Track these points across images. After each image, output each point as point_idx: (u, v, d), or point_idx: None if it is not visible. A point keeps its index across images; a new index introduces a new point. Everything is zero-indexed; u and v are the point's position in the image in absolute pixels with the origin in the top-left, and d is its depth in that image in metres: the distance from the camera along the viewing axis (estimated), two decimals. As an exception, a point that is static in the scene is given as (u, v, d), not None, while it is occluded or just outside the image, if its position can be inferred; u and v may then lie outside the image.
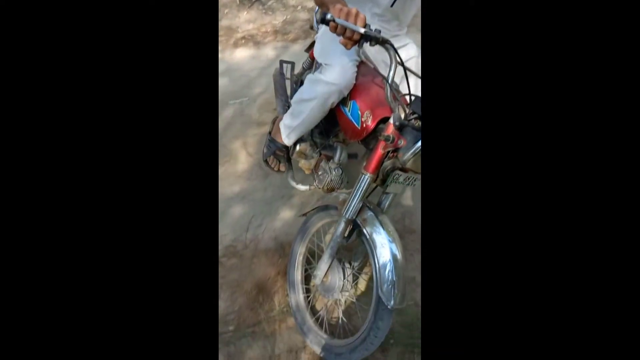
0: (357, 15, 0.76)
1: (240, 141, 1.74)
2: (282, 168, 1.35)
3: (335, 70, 1.00)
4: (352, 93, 1.03)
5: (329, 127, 1.30)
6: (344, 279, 1.00)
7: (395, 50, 0.83)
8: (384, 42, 0.80)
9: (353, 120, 1.01)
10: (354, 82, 1.02)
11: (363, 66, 1.07)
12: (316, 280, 1.02)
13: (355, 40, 0.78)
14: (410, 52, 1.17)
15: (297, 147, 1.23)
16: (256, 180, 1.60)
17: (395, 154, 0.89)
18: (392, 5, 1.08)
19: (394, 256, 0.90)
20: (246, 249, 1.35)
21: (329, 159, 1.23)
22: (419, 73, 1.09)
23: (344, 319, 1.04)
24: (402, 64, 0.86)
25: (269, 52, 2.43)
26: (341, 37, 0.78)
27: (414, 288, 1.24)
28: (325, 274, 1.01)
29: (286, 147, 1.28)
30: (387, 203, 1.01)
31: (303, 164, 1.29)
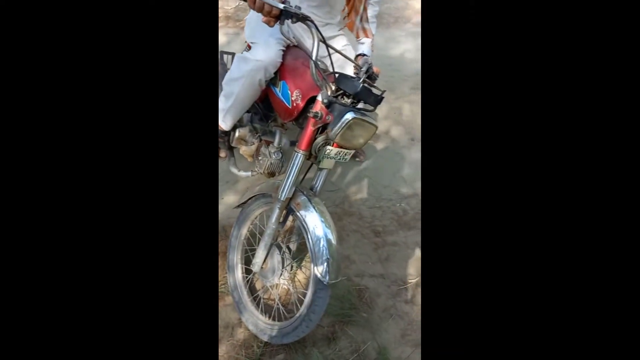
0: None
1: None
2: (222, 154, 1.38)
3: (261, 48, 1.06)
4: (282, 74, 1.08)
5: (268, 112, 1.35)
6: (282, 266, 1.05)
7: (317, 27, 0.86)
8: (304, 19, 0.83)
9: (284, 100, 1.06)
10: (280, 60, 1.06)
11: (293, 49, 1.12)
12: (255, 268, 1.06)
13: (275, 16, 0.80)
14: (341, 43, 1.25)
15: (237, 133, 1.26)
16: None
17: (325, 130, 0.94)
18: None
19: (326, 235, 0.96)
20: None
21: (268, 144, 1.27)
22: (350, 56, 1.17)
23: (280, 305, 1.09)
24: (323, 40, 0.89)
25: (220, 38, 2.39)
26: (274, 30, 0.82)
27: (347, 265, 1.34)
28: (264, 260, 1.05)
29: (225, 133, 1.30)
30: (320, 185, 1.08)
31: (244, 150, 1.32)
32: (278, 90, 1.10)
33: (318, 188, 1.08)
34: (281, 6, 0.78)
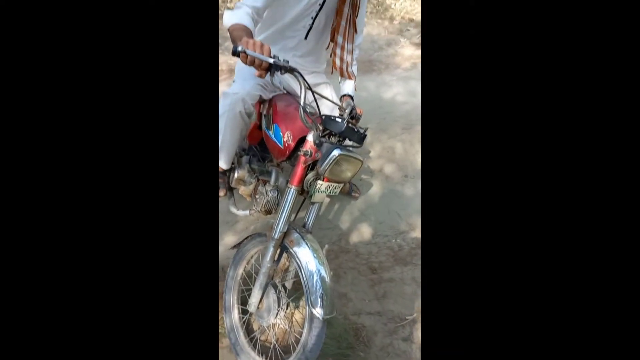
0: (262, 46, 0.86)
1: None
2: (221, 193, 1.45)
3: (239, 83, 1.18)
4: (274, 118, 1.18)
5: (264, 153, 1.44)
6: (278, 306, 1.06)
7: (303, 77, 0.95)
8: (291, 70, 0.92)
9: (277, 142, 1.16)
10: (257, 92, 1.17)
11: (283, 95, 1.24)
12: (251, 308, 1.08)
13: (265, 68, 0.88)
14: (326, 91, 1.36)
15: (236, 174, 1.33)
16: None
17: (315, 167, 1.01)
18: (305, 38, 1.27)
19: (320, 271, 0.99)
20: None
21: (265, 182, 1.33)
22: (335, 100, 1.28)
23: (277, 345, 1.09)
24: (309, 88, 0.98)
25: (222, 88, 2.58)
26: (253, 69, 0.90)
27: (344, 303, 1.35)
28: (260, 300, 1.07)
29: (224, 173, 1.38)
30: (312, 221, 1.13)
31: (243, 190, 1.39)
32: (271, 133, 1.19)
33: (310, 224, 1.12)
34: (271, 60, 0.87)
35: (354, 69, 1.40)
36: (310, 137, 1.00)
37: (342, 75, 1.38)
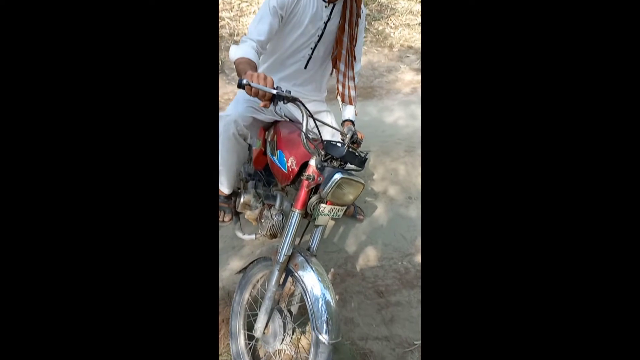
0: (265, 78, 0.91)
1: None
2: (227, 218, 1.47)
3: (232, 106, 1.24)
4: (278, 144, 1.23)
5: (269, 178, 1.47)
6: (284, 331, 1.05)
7: (305, 106, 1.00)
8: (293, 100, 0.97)
9: (281, 167, 1.19)
10: (249, 115, 1.23)
11: (286, 123, 1.30)
12: (257, 334, 1.07)
13: (268, 99, 0.93)
14: (328, 119, 1.41)
15: (242, 199, 1.36)
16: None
17: (317, 190, 1.03)
18: (305, 67, 1.34)
19: (325, 295, 0.99)
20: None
21: (270, 207, 1.36)
22: (335, 126, 1.34)
23: None
24: (311, 115, 1.03)
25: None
26: (257, 98, 0.95)
27: (351, 328, 1.33)
28: (266, 325, 1.07)
29: (228, 197, 1.41)
30: (316, 244, 1.14)
31: (249, 215, 1.42)
32: (276, 159, 1.24)
33: (315, 247, 1.14)
34: (274, 91, 0.92)
35: (354, 94, 1.47)
36: (312, 162, 1.04)
37: (343, 100, 1.44)
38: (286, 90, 0.95)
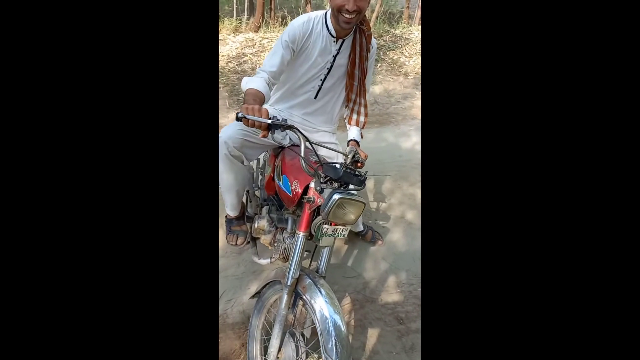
0: (260, 110, 0.97)
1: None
2: (240, 242, 1.51)
3: (223, 129, 1.30)
4: (283, 170, 1.27)
5: (281, 203, 1.52)
6: (297, 355, 1.04)
7: (300, 131, 1.04)
8: (290, 127, 1.02)
9: (286, 191, 1.23)
10: (239, 137, 1.27)
11: (288, 149, 1.34)
12: (270, 358, 1.06)
13: (265, 129, 0.99)
14: (331, 153, 1.44)
15: (256, 224, 1.41)
16: (230, 257, 1.74)
17: (319, 212, 1.05)
18: (315, 97, 1.41)
19: (333, 317, 0.97)
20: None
21: (282, 230, 1.39)
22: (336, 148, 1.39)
23: None
24: (307, 139, 1.05)
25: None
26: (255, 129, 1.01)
27: (371, 356, 1.30)
28: (279, 349, 1.06)
29: (238, 220, 1.47)
30: (324, 265, 1.13)
31: (264, 239, 1.45)
32: (281, 183, 1.28)
33: (323, 269, 1.13)
34: (269, 122, 0.97)
35: (362, 120, 1.50)
36: (312, 184, 1.06)
37: (351, 123, 1.48)
38: (282, 119, 1.00)
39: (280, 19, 5.95)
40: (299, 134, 1.06)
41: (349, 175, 1.04)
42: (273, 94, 1.51)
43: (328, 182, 1.06)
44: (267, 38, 4.61)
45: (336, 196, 0.99)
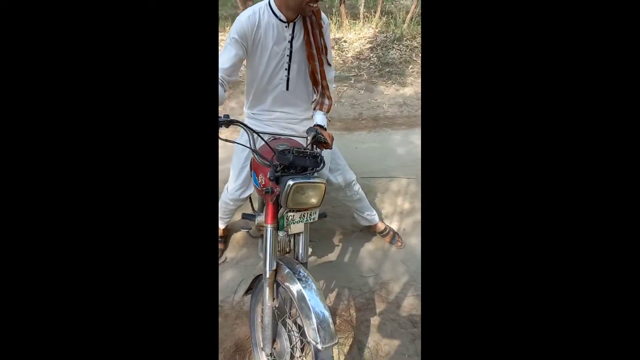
0: None
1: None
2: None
3: None
4: (253, 167, 1.25)
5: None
6: (290, 344, 1.04)
7: (244, 124, 1.05)
8: (233, 123, 1.01)
9: (257, 186, 1.21)
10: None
11: (263, 145, 1.30)
12: (266, 351, 1.08)
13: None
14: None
15: (256, 221, 1.39)
16: (250, 247, 1.79)
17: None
18: (287, 89, 1.38)
19: (311, 301, 0.95)
20: (232, 310, 1.47)
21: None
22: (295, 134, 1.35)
23: None
24: (254, 132, 1.06)
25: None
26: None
27: (382, 356, 1.29)
28: (274, 340, 1.07)
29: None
30: (302, 251, 1.11)
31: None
32: (254, 180, 1.27)
33: (302, 255, 1.11)
34: None
35: (328, 102, 1.44)
36: (268, 175, 1.04)
37: (321, 109, 1.41)
38: (224, 116, 1.00)
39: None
40: (245, 128, 1.07)
41: (301, 159, 1.02)
42: (246, 99, 1.50)
43: (285, 170, 1.03)
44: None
45: (290, 182, 0.98)
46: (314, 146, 1.17)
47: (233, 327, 1.40)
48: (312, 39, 1.31)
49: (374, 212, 1.81)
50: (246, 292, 1.24)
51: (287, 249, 1.24)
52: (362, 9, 5.45)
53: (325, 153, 1.46)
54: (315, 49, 1.33)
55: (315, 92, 1.41)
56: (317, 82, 1.38)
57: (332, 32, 5.06)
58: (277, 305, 1.07)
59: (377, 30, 4.96)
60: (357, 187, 1.68)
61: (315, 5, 1.21)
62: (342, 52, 4.61)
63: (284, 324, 1.08)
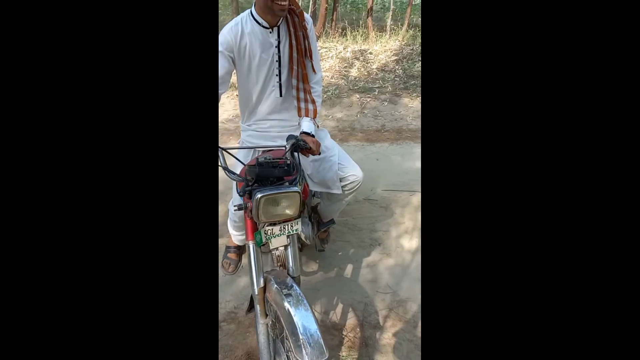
0: None
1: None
2: (231, 269, 1.59)
3: None
4: (238, 185, 1.22)
5: None
6: None
7: (225, 150, 1.03)
8: (224, 150, 1.00)
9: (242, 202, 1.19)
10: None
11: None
12: None
13: None
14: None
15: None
16: (263, 255, 1.79)
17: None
18: (281, 95, 1.36)
19: (299, 316, 0.90)
20: (245, 317, 1.46)
21: None
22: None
23: None
24: (222, 149, 1.03)
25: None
26: None
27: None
28: (274, 358, 1.03)
29: (238, 248, 1.53)
30: (292, 265, 1.06)
31: (263, 249, 1.43)
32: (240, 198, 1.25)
33: (293, 269, 1.07)
34: None
35: (312, 108, 1.39)
36: (239, 192, 1.00)
37: (307, 115, 1.36)
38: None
39: (340, 30, 6.08)
40: (229, 153, 1.04)
41: (268, 171, 0.97)
42: (241, 113, 1.49)
43: (257, 183, 0.99)
44: (326, 48, 4.73)
45: (258, 194, 0.93)
46: (294, 154, 1.13)
47: (246, 335, 1.38)
48: (294, 41, 1.29)
49: (333, 219, 1.72)
50: (248, 310, 1.21)
51: (286, 263, 1.16)
52: (389, 22, 5.46)
53: (328, 159, 1.44)
54: (297, 52, 1.31)
55: (295, 99, 1.38)
56: (297, 87, 1.35)
57: (357, 44, 5.10)
58: (269, 323, 1.03)
59: (403, 42, 4.95)
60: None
61: (283, 3, 1.17)
62: (367, 63, 4.62)
63: (283, 342, 1.03)
